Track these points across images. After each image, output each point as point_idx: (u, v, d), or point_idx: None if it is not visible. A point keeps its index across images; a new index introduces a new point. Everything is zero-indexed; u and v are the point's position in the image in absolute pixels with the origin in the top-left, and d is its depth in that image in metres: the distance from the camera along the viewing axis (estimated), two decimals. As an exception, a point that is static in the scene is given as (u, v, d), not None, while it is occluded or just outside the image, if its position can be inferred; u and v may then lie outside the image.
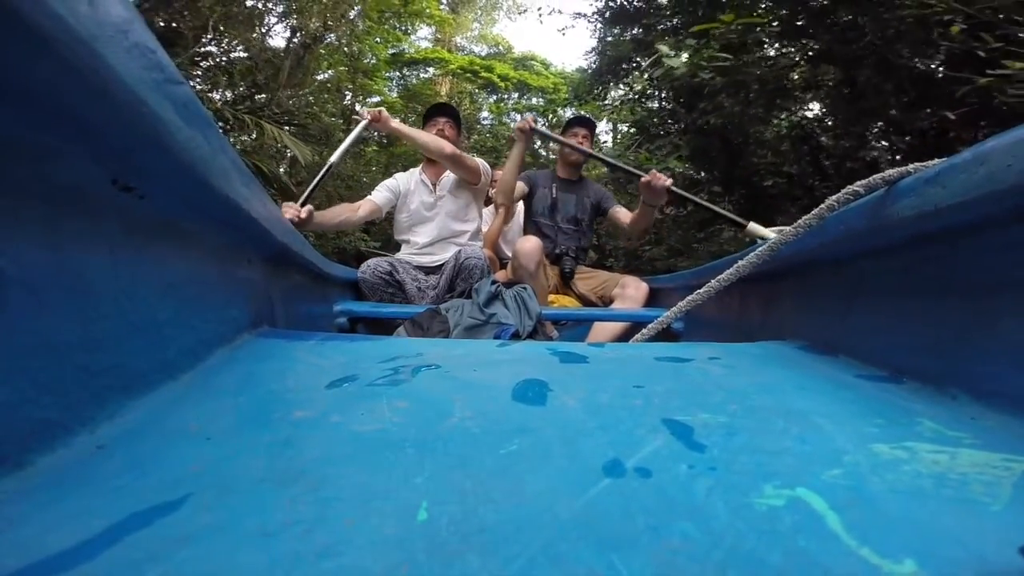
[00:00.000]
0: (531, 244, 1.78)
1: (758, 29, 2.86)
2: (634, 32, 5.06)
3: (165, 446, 0.36)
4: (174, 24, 5.24)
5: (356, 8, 8.27)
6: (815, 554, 0.24)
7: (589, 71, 6.49)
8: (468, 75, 12.23)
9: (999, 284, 0.44)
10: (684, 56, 2.81)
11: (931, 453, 0.34)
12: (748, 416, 0.42)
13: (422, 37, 13.26)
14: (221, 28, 5.78)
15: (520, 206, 2.36)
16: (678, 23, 4.08)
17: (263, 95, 6.46)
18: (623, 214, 2.15)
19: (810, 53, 3.21)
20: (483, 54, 14.10)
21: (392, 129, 1.86)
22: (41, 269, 0.34)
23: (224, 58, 6.23)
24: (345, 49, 8.67)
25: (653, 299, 1.84)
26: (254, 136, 5.79)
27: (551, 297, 1.98)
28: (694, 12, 3.53)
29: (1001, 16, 1.85)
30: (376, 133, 8.19)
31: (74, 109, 0.32)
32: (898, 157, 3.08)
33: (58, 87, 0.30)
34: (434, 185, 1.95)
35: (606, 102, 5.84)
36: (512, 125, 1.99)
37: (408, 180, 2.00)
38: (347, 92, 9.48)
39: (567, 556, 0.24)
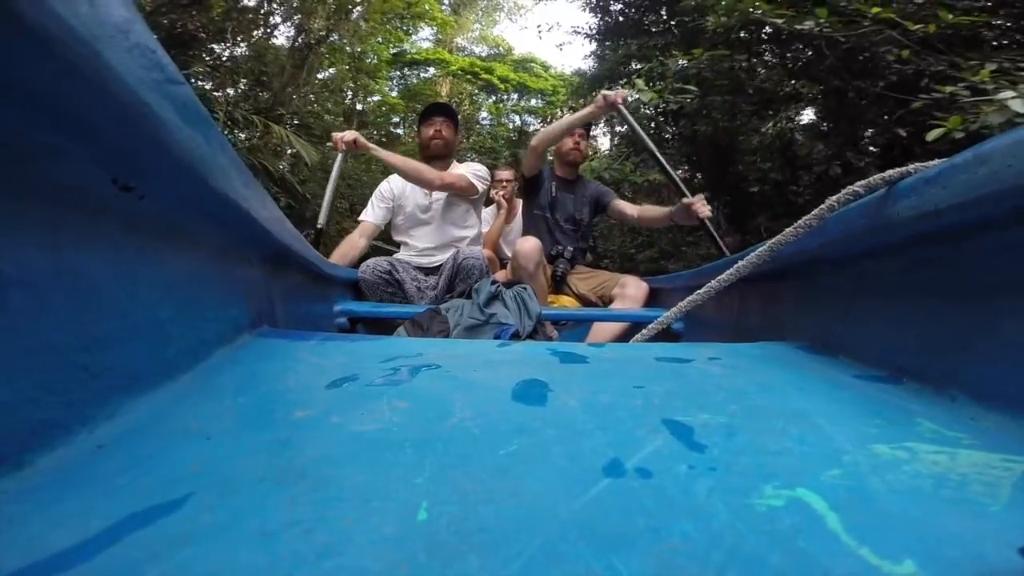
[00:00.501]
0: (531, 244, 1.78)
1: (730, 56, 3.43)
2: (630, 45, 5.11)
3: (165, 446, 0.36)
4: (190, 26, 5.30)
5: (359, 9, 8.29)
6: (815, 554, 0.24)
7: (588, 74, 6.51)
8: (468, 76, 12.24)
9: (999, 285, 0.44)
10: (649, 95, 3.26)
11: (931, 453, 0.34)
12: (748, 416, 0.42)
13: (423, 38, 13.31)
14: (231, 30, 5.83)
15: (520, 205, 2.36)
16: (671, 39, 4.26)
17: (266, 93, 6.49)
18: (626, 206, 2.14)
19: (790, 65, 3.58)
20: (483, 55, 14.12)
21: (372, 154, 1.82)
22: (41, 269, 0.33)
23: (231, 60, 6.28)
24: (347, 49, 8.68)
25: (653, 299, 1.83)
26: (259, 135, 5.81)
27: (551, 297, 1.98)
28: (684, 38, 3.90)
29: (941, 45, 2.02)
30: (376, 132, 8.19)
31: (74, 109, 0.32)
32: (862, 165, 3.22)
33: (58, 87, 0.30)
34: None
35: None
36: (594, 95, 1.94)
37: (401, 182, 1.96)
38: (348, 92, 9.48)
39: (567, 556, 0.24)
